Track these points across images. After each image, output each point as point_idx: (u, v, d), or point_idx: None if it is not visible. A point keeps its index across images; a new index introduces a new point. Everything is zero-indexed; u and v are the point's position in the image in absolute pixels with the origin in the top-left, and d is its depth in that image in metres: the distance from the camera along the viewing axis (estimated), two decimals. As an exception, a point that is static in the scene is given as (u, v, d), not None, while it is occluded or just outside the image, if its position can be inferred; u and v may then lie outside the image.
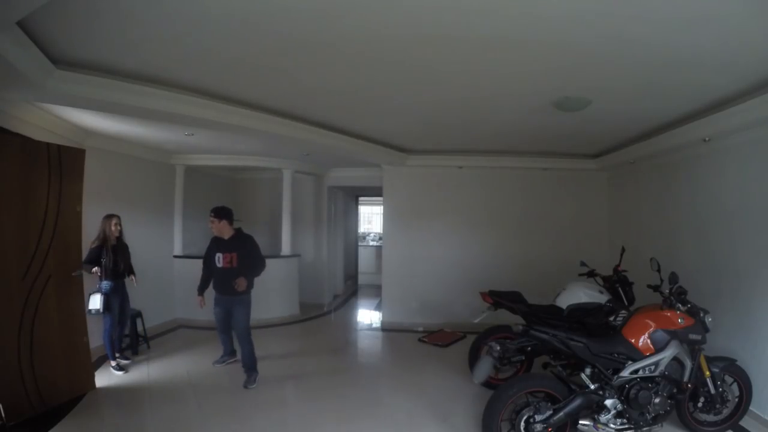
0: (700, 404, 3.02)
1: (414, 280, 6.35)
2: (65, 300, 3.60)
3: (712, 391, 2.97)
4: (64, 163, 3.57)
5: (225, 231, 4.12)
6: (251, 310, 4.14)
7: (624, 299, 3.93)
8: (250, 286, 4.06)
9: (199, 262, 4.31)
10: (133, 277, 4.50)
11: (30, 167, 3.34)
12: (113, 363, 4.24)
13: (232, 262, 4.06)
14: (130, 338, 4.80)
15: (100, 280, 4.14)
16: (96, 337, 4.55)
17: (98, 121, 4.19)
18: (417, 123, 4.55)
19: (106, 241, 4.19)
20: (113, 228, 4.26)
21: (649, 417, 2.76)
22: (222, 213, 4.11)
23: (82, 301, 3.82)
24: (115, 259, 4.21)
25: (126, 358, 4.46)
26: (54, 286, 3.48)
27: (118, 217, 4.35)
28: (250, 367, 4.05)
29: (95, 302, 4.07)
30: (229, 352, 4.51)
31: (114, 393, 3.76)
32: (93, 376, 3.85)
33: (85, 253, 4.00)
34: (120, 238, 4.35)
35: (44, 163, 3.43)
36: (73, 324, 3.69)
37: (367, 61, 2.87)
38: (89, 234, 4.36)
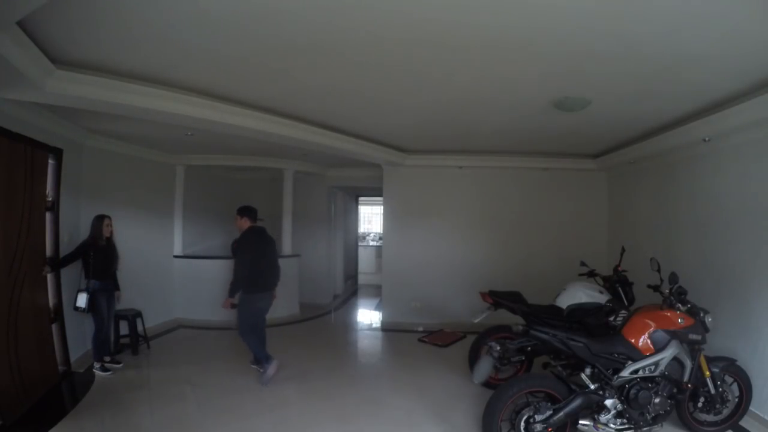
0: (700, 404, 3.03)
1: (414, 280, 6.35)
2: (37, 295, 3.68)
3: (712, 391, 2.97)
4: (36, 163, 3.59)
5: (241, 226, 4.29)
6: (248, 309, 4.15)
7: (624, 299, 3.92)
8: (234, 295, 4.07)
9: (199, 263, 4.30)
10: (119, 293, 4.46)
11: (15, 166, 3.35)
12: (97, 365, 4.17)
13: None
14: (130, 338, 4.80)
15: (87, 278, 4.13)
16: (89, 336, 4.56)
17: (98, 121, 4.19)
18: (417, 123, 4.55)
19: (96, 240, 4.17)
20: (105, 228, 4.24)
21: (649, 417, 2.76)
22: (241, 210, 4.31)
23: (47, 296, 3.86)
24: (104, 259, 4.20)
25: (117, 362, 4.34)
26: (29, 283, 3.52)
27: (110, 218, 4.33)
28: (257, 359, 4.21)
29: (81, 300, 4.07)
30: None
31: (114, 393, 3.76)
32: (57, 367, 3.92)
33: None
34: (110, 239, 4.33)
35: (23, 162, 3.45)
36: (42, 317, 3.76)
37: (367, 63, 2.86)
38: (87, 233, 4.35)
